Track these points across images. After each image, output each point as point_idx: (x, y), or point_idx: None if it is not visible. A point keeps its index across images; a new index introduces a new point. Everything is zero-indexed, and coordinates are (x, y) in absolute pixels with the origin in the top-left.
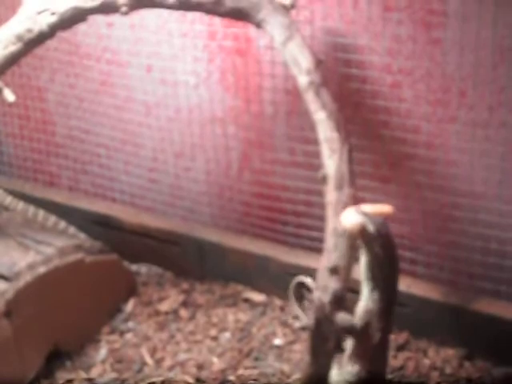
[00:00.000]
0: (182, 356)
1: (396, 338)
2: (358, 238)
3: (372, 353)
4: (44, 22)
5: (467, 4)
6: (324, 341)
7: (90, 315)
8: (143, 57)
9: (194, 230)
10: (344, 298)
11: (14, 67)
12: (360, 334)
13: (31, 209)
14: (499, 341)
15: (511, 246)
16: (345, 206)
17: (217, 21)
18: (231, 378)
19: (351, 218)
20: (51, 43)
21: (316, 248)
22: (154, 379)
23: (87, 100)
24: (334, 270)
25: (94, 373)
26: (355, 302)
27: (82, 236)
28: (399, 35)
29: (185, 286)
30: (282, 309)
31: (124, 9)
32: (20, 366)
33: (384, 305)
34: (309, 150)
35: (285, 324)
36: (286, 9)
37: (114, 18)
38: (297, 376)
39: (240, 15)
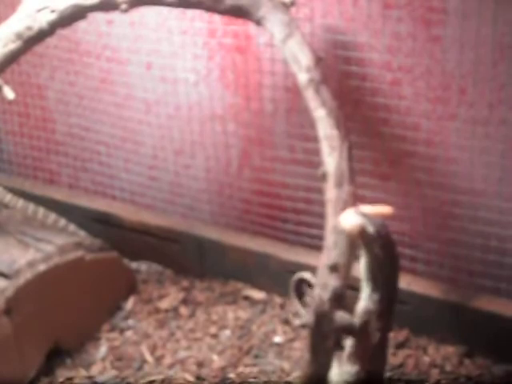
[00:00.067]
0: (182, 354)
1: (396, 336)
2: (358, 239)
3: (371, 352)
4: (44, 19)
5: (467, 1)
6: (324, 338)
7: (90, 313)
8: (143, 54)
9: (193, 228)
10: (344, 296)
11: (14, 65)
12: (359, 333)
13: (31, 206)
14: (499, 338)
15: (511, 244)
16: (345, 203)
17: (217, 18)
18: (231, 375)
19: (351, 219)
20: (51, 41)
21: (316, 245)
22: (154, 377)
23: (87, 98)
24: (333, 268)
25: (94, 370)
26: (355, 299)
27: (82, 234)
28: (399, 33)
29: (185, 283)
30: (282, 306)
31: (124, 6)
32: (20, 364)
33: (384, 305)
34: (308, 147)
35: (285, 322)
36: (286, 6)
37: (114, 15)
38: (297, 374)
39: (240, 13)
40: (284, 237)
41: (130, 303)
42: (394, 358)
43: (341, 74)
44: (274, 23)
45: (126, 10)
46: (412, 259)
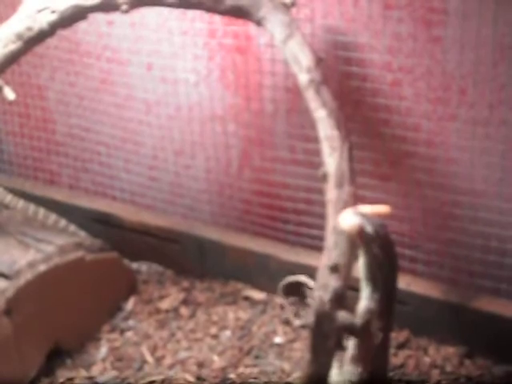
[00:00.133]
0: (183, 354)
1: (396, 336)
2: (357, 239)
3: (373, 352)
4: (44, 20)
5: (467, 2)
6: (324, 339)
7: (90, 313)
8: (143, 55)
9: (194, 228)
10: (344, 296)
11: (14, 65)
12: (361, 332)
13: (31, 207)
14: (499, 339)
15: (511, 244)
16: (345, 203)
17: (217, 19)
18: (231, 376)
19: (349, 219)
20: (51, 41)
21: (316, 246)
22: (154, 377)
23: (87, 98)
24: (334, 268)
25: (95, 371)
26: (355, 299)
27: (83, 234)
28: (399, 33)
29: (185, 284)
30: (283, 307)
31: (124, 7)
32: (20, 365)
33: (384, 304)
34: (309, 147)
35: (285, 322)
36: (287, 7)
37: (115, 16)
38: (297, 374)
39: (240, 13)
40: (284, 237)
41: (130, 304)
42: (394, 359)
43: (341, 74)
44: (275, 24)
45: (126, 11)
46: (412, 260)
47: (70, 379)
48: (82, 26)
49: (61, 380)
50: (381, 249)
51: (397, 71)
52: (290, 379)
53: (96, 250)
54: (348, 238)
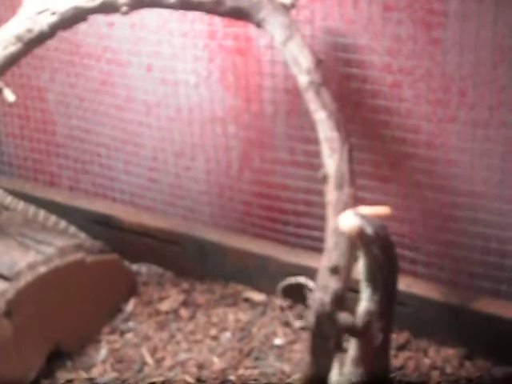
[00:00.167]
0: (183, 356)
1: (396, 338)
2: (357, 240)
3: (373, 353)
4: (44, 21)
5: (467, 4)
6: (324, 340)
7: (90, 315)
8: (143, 56)
9: (194, 230)
10: (344, 298)
11: (14, 67)
12: (361, 333)
13: (31, 208)
14: (499, 340)
15: (511, 246)
16: (345, 205)
17: (217, 20)
18: (231, 377)
19: (349, 220)
20: (51, 43)
21: (316, 247)
22: (154, 379)
23: (87, 99)
24: (334, 270)
25: (95, 373)
26: (356, 301)
27: (83, 236)
28: (399, 35)
29: (185, 285)
30: (283, 308)
31: (124, 8)
32: (20, 366)
33: (384, 306)
34: (309, 149)
35: (285, 324)
36: (286, 8)
37: (115, 17)
38: (297, 376)
39: (240, 15)
40: (284, 239)
41: (130, 305)
42: (394, 360)
43: (341, 76)
44: (275, 25)
45: (126, 13)
46: (412, 261)
47: (70, 381)
48: (82, 27)
49: (61, 382)
50: (381, 250)
51: (397, 73)
52: (289, 381)
53: (96, 252)
54: (348, 240)
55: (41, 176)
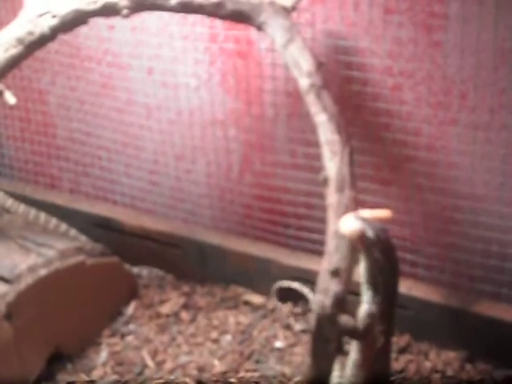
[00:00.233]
0: (183, 358)
1: (397, 341)
2: (358, 243)
3: (374, 356)
4: (45, 24)
5: (468, 6)
6: (325, 343)
7: (90, 318)
8: (144, 59)
9: (194, 233)
10: (345, 301)
11: (15, 70)
12: (362, 336)
13: (32, 211)
14: (500, 343)
15: None
16: (346, 208)
17: (218, 23)
18: (232, 380)
19: (350, 224)
20: (52, 46)
21: (317, 250)
22: (154, 382)
23: (88, 102)
24: (335, 273)
25: (95, 375)
26: (356, 304)
27: (83, 238)
28: (400, 38)
29: (186, 288)
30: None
31: (125, 11)
32: (21, 369)
33: (385, 308)
34: (310, 152)
35: (286, 327)
36: (287, 11)
37: (115, 20)
38: (298, 378)
39: (241, 18)
40: (285, 242)
41: (130, 308)
42: (395, 363)
43: (342, 79)
44: (275, 28)
45: (127, 16)
46: (413, 264)
47: (71, 383)
48: (82, 30)
49: None
50: (382, 253)
51: (397, 76)
52: (290, 383)
53: (97, 255)
54: (349, 243)
55: (41, 179)
